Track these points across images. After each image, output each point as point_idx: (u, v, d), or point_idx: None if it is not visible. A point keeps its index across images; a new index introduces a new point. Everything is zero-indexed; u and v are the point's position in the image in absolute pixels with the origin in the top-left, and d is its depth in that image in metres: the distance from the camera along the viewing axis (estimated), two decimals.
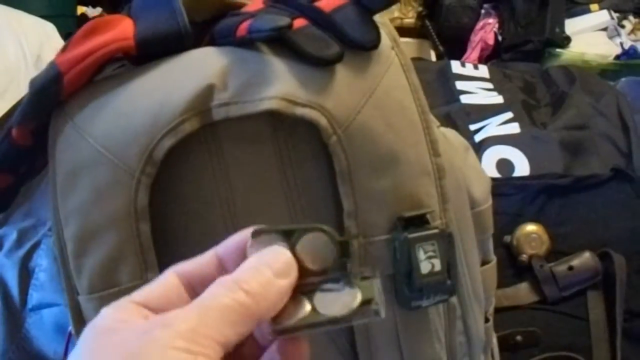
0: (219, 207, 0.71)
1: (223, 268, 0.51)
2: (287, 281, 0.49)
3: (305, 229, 0.51)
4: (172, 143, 0.67)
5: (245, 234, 0.51)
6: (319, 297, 0.50)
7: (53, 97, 0.72)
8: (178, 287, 0.51)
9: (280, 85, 0.68)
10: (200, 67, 0.71)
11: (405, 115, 0.73)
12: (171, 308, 0.48)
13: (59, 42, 2.18)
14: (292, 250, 0.50)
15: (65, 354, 0.93)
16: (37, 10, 2.12)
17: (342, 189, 0.70)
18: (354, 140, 0.69)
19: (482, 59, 2.42)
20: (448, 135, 0.84)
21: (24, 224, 1.02)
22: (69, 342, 0.98)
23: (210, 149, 0.71)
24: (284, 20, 0.68)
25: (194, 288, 0.51)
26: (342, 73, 0.70)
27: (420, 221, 0.71)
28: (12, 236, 1.02)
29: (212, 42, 0.75)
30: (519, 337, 1.17)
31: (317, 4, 0.73)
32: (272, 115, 0.70)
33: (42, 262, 0.98)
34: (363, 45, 0.72)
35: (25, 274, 1.01)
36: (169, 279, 0.51)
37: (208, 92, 0.68)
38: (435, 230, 0.71)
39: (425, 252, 0.70)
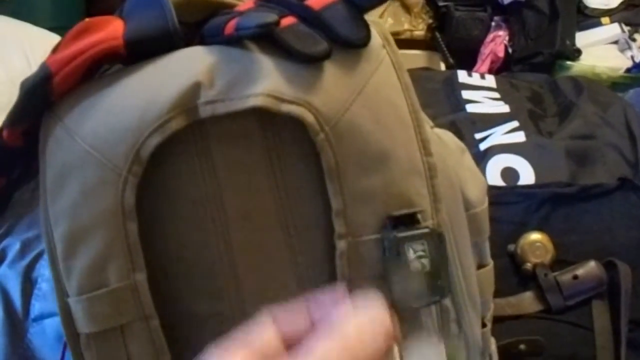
0: (208, 206, 0.71)
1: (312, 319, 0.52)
2: (389, 343, 0.49)
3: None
4: (158, 141, 0.67)
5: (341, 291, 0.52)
6: (410, 353, 0.50)
7: (43, 97, 0.72)
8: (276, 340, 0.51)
9: (267, 82, 0.67)
10: (187, 65, 0.70)
11: (396, 114, 0.73)
12: None
13: None
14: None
15: None
16: (43, 22, 2.12)
17: (331, 188, 0.69)
18: (342, 138, 0.69)
19: (492, 71, 2.41)
20: (443, 137, 0.84)
21: (27, 234, 1.02)
22: (64, 351, 0.98)
23: (198, 148, 0.71)
24: (270, 17, 0.68)
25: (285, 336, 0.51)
26: (330, 70, 0.70)
27: (410, 220, 0.71)
28: (15, 247, 1.02)
29: (202, 42, 0.75)
30: (522, 346, 1.16)
31: (306, 2, 0.73)
32: (261, 114, 0.69)
33: (45, 272, 0.98)
34: (352, 42, 0.71)
35: (28, 284, 1.01)
36: (269, 333, 0.52)
37: (195, 89, 0.68)
38: (426, 230, 0.70)
39: (415, 252, 0.69)
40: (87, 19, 0.76)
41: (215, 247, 0.72)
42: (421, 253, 0.69)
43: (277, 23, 0.68)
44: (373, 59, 0.73)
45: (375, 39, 0.74)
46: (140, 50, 0.72)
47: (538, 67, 2.27)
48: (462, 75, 1.72)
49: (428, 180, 0.74)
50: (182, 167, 0.71)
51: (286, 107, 0.67)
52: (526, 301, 1.22)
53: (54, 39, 2.14)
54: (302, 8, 0.72)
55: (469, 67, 2.41)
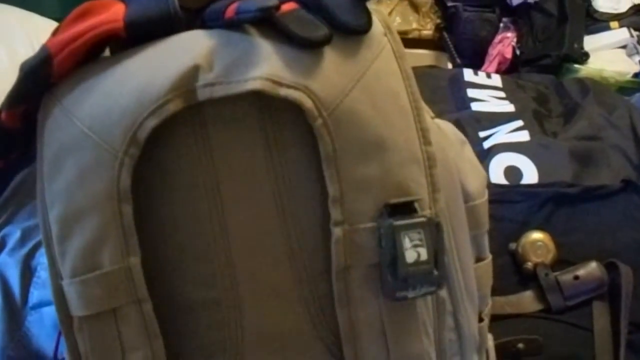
0: (203, 190, 0.71)
1: None
2: None
3: None
4: (155, 123, 0.66)
5: None
6: None
7: (43, 79, 0.71)
8: None
9: (266, 66, 0.67)
10: (186, 48, 0.70)
11: (395, 102, 0.72)
12: None
13: None
14: None
15: (56, 350, 0.93)
16: (50, 12, 2.11)
17: (328, 174, 0.69)
18: (340, 124, 0.68)
19: (500, 73, 2.40)
20: (443, 127, 0.83)
21: (28, 223, 1.03)
22: (59, 337, 0.98)
23: (196, 131, 0.70)
24: (271, 1, 0.67)
25: None
26: (330, 56, 0.69)
27: (407, 209, 0.70)
28: (15, 235, 1.02)
29: (202, 26, 0.74)
30: (520, 345, 1.15)
31: None
32: (259, 98, 0.69)
33: (44, 261, 0.98)
34: (353, 29, 0.71)
35: (27, 272, 1.01)
36: None
37: (193, 72, 0.67)
38: (422, 219, 0.70)
39: (411, 241, 0.68)
40: (87, 2, 0.76)
41: (210, 232, 0.71)
42: (417, 242, 0.68)
43: (278, 7, 0.67)
44: (374, 46, 0.72)
45: (377, 26, 0.73)
46: (140, 33, 0.72)
47: (545, 69, 2.26)
48: (468, 74, 1.71)
49: (427, 170, 0.73)
50: (179, 150, 0.70)
51: (284, 92, 0.66)
52: (526, 300, 1.21)
53: None
54: None
55: (477, 68, 2.39)
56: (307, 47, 0.68)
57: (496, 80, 1.72)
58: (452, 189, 0.79)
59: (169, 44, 0.71)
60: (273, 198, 0.71)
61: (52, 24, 2.10)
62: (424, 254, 0.68)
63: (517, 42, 2.45)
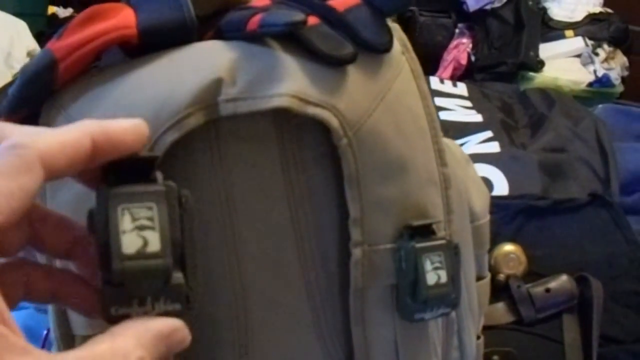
0: (218, 207, 0.68)
1: None
2: None
3: None
4: (175, 138, 0.64)
5: None
6: None
7: (46, 85, 0.68)
8: None
9: (292, 82, 0.65)
10: (207, 60, 0.67)
11: (415, 122, 0.72)
12: None
13: (30, 40, 2.19)
14: None
15: None
16: (8, 7, 2.10)
17: (350, 194, 0.67)
18: (364, 144, 0.67)
19: (454, 78, 2.42)
20: (450, 146, 0.83)
21: None
22: (44, 345, 0.95)
23: (212, 146, 0.68)
24: (299, 16, 0.65)
25: None
26: (354, 74, 0.68)
27: (426, 231, 0.69)
28: None
29: (218, 36, 0.72)
30: (495, 357, 1.16)
31: (329, 2, 0.71)
32: (278, 115, 0.67)
33: None
34: (376, 48, 0.70)
35: None
36: None
37: (216, 86, 0.65)
38: (442, 241, 0.69)
39: (432, 263, 0.68)
40: (94, 6, 0.73)
41: (224, 250, 0.69)
42: (438, 265, 0.68)
43: (305, 22, 0.66)
44: (395, 66, 0.71)
45: (396, 45, 0.72)
46: (154, 41, 0.69)
47: (501, 76, 2.28)
48: (434, 82, 1.72)
49: (443, 191, 0.73)
50: (195, 166, 0.68)
51: (312, 110, 0.65)
52: (498, 312, 1.21)
53: (19, 25, 2.13)
54: (326, 9, 0.70)
55: (431, 73, 2.42)
56: (333, 65, 0.67)
57: (462, 89, 1.73)
58: (461, 209, 0.79)
59: (187, 54, 0.69)
60: (290, 218, 0.69)
61: (11, 19, 2.10)
62: (443, 276, 0.68)
63: (473, 48, 2.47)
